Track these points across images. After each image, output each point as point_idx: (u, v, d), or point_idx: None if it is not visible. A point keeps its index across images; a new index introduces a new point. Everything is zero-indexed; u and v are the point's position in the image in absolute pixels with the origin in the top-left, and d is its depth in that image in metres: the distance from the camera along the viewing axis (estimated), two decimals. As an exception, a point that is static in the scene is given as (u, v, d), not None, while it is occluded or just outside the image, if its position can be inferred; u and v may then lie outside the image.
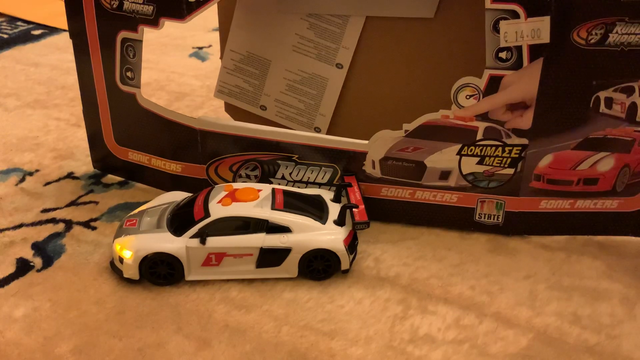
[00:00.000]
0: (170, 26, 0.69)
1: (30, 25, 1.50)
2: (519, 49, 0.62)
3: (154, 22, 0.69)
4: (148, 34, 0.71)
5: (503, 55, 0.63)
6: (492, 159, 0.69)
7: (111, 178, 0.85)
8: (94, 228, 0.74)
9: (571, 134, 0.67)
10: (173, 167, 0.78)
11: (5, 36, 1.42)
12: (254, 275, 0.65)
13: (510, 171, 0.69)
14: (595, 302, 0.63)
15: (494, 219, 0.72)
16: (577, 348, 0.58)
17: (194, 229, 0.63)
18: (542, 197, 0.70)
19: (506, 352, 0.57)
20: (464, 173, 0.70)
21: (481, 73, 0.64)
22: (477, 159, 0.69)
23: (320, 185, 0.74)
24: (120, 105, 0.77)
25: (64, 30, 1.45)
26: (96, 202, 0.79)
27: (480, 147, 0.68)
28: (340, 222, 0.66)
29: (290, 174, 0.74)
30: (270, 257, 0.64)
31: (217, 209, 0.64)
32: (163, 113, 0.75)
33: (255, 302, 0.63)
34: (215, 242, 0.63)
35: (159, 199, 0.72)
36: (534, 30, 0.61)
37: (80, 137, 0.96)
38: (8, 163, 0.89)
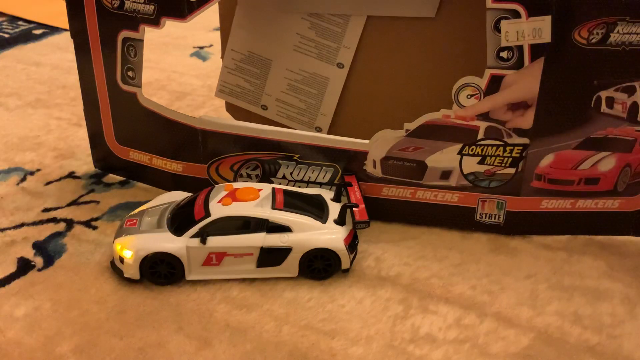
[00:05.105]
0: (171, 25, 0.69)
1: (32, 25, 1.50)
2: (520, 48, 0.62)
3: (155, 22, 0.69)
4: (149, 34, 0.71)
5: (504, 54, 0.63)
6: (493, 158, 0.69)
7: (112, 177, 0.85)
8: (94, 227, 0.74)
9: (572, 133, 0.67)
10: (174, 166, 0.78)
11: (7, 36, 1.42)
12: (255, 275, 0.65)
13: (511, 171, 0.69)
14: (596, 302, 0.63)
15: (494, 219, 0.72)
16: (578, 348, 0.58)
17: (195, 229, 0.63)
18: (543, 196, 0.70)
19: (507, 352, 0.57)
20: (465, 173, 0.70)
21: (482, 73, 0.64)
22: (478, 158, 0.69)
23: (321, 185, 0.74)
24: (121, 104, 0.77)
25: (65, 30, 1.45)
26: (97, 202, 0.79)
27: (481, 147, 0.68)
28: (340, 221, 0.66)
29: (291, 173, 0.74)
30: (271, 257, 0.64)
31: (218, 209, 0.64)
32: (164, 112, 0.75)
33: (256, 302, 0.63)
34: (216, 241, 0.63)
35: (160, 199, 0.72)
36: (535, 29, 0.61)
37: (81, 136, 0.96)
38: (9, 162, 0.89)
